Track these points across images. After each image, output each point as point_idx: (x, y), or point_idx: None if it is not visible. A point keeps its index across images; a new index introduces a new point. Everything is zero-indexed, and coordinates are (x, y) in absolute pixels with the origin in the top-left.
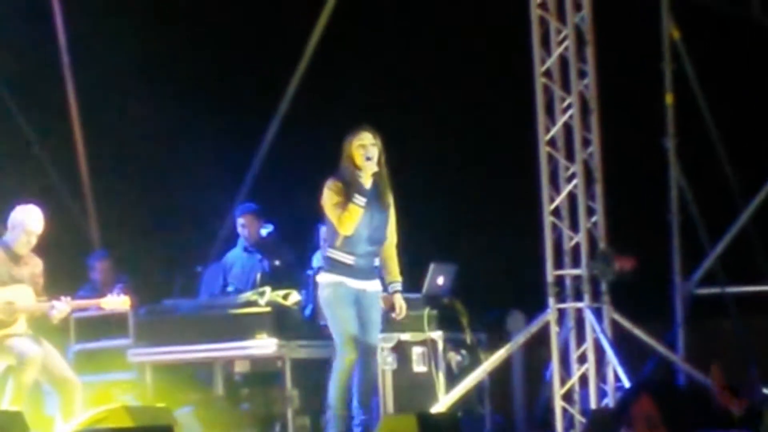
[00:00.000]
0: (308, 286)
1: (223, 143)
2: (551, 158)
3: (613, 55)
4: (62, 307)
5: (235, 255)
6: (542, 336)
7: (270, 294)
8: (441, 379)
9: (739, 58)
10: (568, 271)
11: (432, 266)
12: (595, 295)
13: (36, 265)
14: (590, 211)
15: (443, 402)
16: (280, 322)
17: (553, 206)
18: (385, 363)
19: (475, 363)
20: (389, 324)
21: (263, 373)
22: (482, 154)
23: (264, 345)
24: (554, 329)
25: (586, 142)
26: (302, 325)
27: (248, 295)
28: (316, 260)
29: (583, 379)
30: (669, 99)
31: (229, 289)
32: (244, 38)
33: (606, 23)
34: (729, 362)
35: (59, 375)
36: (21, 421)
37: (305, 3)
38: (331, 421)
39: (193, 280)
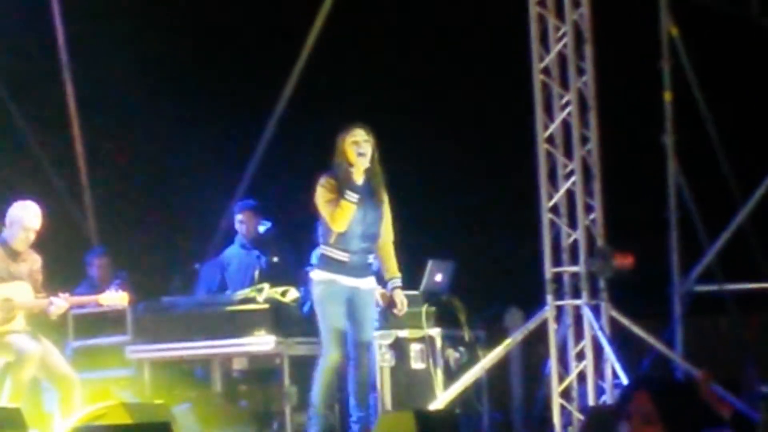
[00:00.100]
0: (307, 283)
1: (222, 140)
2: (549, 155)
3: (612, 53)
4: (61, 303)
5: (233, 252)
6: (540, 333)
7: (268, 291)
8: (439, 376)
9: (738, 56)
10: (567, 268)
11: (430, 263)
12: (594, 292)
13: (35, 262)
14: (588, 209)
15: (441, 399)
16: (279, 319)
17: (551, 203)
18: (383, 360)
19: (473, 360)
20: (387, 321)
21: (261, 370)
22: (480, 152)
23: (262, 342)
24: (552, 326)
25: (584, 140)
26: (300, 322)
27: (246, 292)
28: (315, 257)
29: (581, 376)
30: (667, 96)
31: (228, 293)
32: (243, 37)
33: (604, 20)
34: (727, 360)
35: (58, 371)
36: (19, 418)
37: (304, 3)
38: (312, 419)
39: (192, 277)
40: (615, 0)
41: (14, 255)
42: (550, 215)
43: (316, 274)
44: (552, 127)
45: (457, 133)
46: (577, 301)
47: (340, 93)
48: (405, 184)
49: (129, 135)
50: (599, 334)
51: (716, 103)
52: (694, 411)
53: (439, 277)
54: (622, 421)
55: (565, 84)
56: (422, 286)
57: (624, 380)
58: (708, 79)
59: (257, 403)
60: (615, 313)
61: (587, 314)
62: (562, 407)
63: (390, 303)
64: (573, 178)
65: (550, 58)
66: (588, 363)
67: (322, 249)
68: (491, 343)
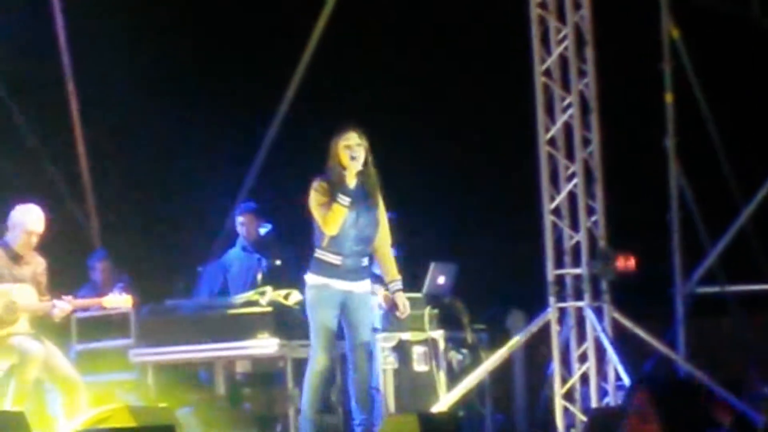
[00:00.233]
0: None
1: (224, 142)
2: (551, 157)
3: (613, 55)
4: (64, 306)
5: (234, 254)
6: (543, 335)
7: (271, 294)
8: (442, 379)
9: (739, 58)
10: (569, 270)
11: (433, 265)
12: (596, 294)
13: (39, 264)
14: (590, 211)
15: (444, 401)
16: (282, 321)
17: (553, 205)
18: (386, 362)
19: (476, 362)
20: (390, 323)
21: (265, 373)
22: (483, 153)
23: (265, 345)
24: (555, 328)
25: (586, 142)
26: (303, 324)
27: (249, 295)
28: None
29: (584, 378)
30: (669, 98)
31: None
32: (244, 38)
33: (606, 22)
34: (729, 361)
35: (62, 374)
36: (23, 421)
37: (305, 3)
38: (301, 424)
39: (194, 280)
40: (616, 2)
41: (17, 258)
42: (552, 217)
43: (309, 278)
44: (554, 129)
45: (459, 134)
46: (580, 303)
47: (342, 95)
48: (406, 186)
49: (131, 137)
50: (602, 335)
51: (717, 104)
52: (693, 413)
53: (441, 280)
54: (625, 419)
55: (566, 86)
56: (425, 289)
57: (626, 382)
58: (709, 80)
59: (260, 406)
60: (617, 315)
61: (590, 316)
62: (565, 409)
63: (392, 306)
64: (575, 180)
65: (552, 60)
66: (591, 365)
67: (315, 252)
68: (494, 345)
